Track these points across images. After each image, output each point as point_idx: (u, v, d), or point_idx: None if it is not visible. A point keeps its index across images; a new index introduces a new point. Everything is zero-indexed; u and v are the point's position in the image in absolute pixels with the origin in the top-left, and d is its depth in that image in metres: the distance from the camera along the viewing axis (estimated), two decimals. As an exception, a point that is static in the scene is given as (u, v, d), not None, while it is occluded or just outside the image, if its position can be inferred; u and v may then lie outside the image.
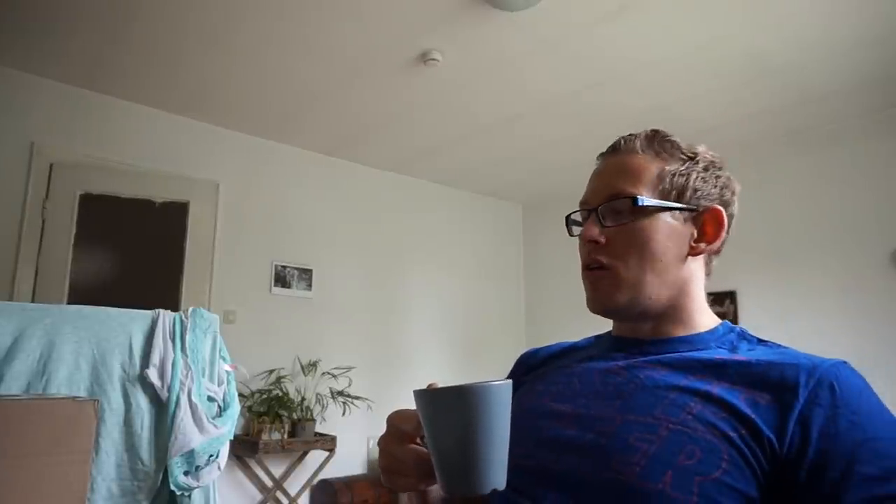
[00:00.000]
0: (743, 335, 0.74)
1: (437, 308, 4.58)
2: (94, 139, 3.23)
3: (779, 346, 0.72)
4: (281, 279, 3.81)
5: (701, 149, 0.78)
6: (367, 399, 3.85)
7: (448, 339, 4.58)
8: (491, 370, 4.49)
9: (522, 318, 5.16)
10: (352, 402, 3.75)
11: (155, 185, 3.36)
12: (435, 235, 4.68)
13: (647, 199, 0.72)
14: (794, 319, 3.58)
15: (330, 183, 4.16)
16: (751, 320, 3.81)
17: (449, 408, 0.53)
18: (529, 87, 3.18)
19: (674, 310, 0.74)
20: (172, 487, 1.70)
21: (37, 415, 0.90)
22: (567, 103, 3.35)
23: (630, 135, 0.78)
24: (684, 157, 0.76)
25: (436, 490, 0.67)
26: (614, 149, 0.78)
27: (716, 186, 0.76)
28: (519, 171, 4.50)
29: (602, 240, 0.73)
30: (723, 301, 3.94)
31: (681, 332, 0.74)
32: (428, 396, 0.54)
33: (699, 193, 0.75)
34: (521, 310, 5.18)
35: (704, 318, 0.76)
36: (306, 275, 3.92)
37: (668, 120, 3.53)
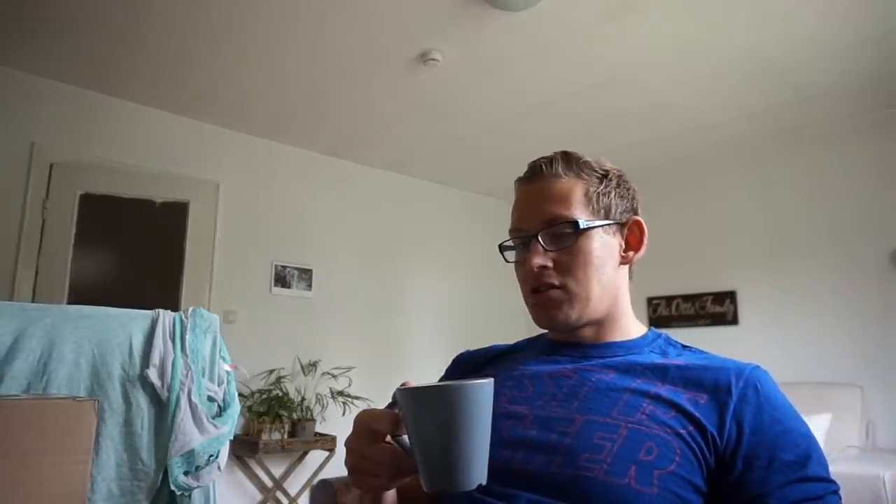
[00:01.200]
0: (669, 341, 0.82)
1: (437, 308, 4.58)
2: (94, 139, 3.23)
3: (700, 351, 0.80)
4: (281, 279, 3.81)
5: (608, 164, 0.84)
6: (367, 399, 3.85)
7: (448, 340, 4.58)
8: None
9: (522, 318, 5.16)
10: (352, 402, 3.75)
11: (155, 185, 3.36)
12: (435, 235, 4.68)
13: (585, 222, 0.78)
14: (793, 319, 3.58)
15: (330, 183, 4.16)
16: (750, 320, 3.81)
17: (433, 406, 0.54)
18: (529, 87, 3.18)
19: (611, 316, 0.81)
20: (172, 487, 1.70)
21: (37, 415, 0.90)
22: (567, 103, 3.35)
23: (545, 158, 0.83)
24: (600, 176, 0.82)
25: (391, 494, 0.68)
26: (535, 174, 0.83)
27: (629, 199, 0.84)
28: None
29: (549, 264, 0.78)
30: (723, 301, 3.94)
31: (618, 338, 0.81)
32: (412, 395, 0.54)
33: (620, 208, 0.82)
34: (520, 310, 5.16)
35: (634, 325, 0.84)
36: (306, 275, 3.92)
37: (668, 120, 3.53)
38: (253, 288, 3.69)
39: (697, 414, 0.67)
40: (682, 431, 0.66)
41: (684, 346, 0.82)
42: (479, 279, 4.87)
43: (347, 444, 0.61)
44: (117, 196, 3.24)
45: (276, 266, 3.80)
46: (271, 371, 3.62)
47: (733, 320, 3.91)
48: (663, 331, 0.87)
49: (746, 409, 0.67)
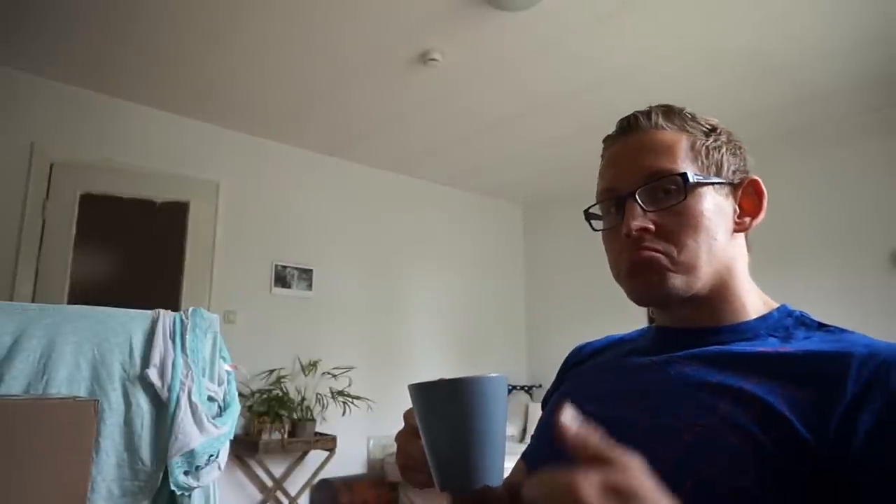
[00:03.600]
0: (802, 320, 0.67)
1: (438, 308, 4.58)
2: (94, 139, 3.23)
3: (843, 331, 0.63)
4: (281, 279, 3.81)
5: (714, 120, 0.73)
6: (367, 399, 3.85)
7: (448, 340, 4.58)
8: (491, 370, 4.49)
9: (522, 319, 5.16)
10: (352, 402, 3.75)
11: (155, 185, 3.36)
12: (435, 235, 4.68)
13: (695, 176, 0.66)
14: (794, 319, 3.58)
15: (330, 183, 4.16)
16: (751, 320, 3.81)
17: (441, 401, 0.53)
18: (529, 87, 3.18)
19: (723, 293, 0.67)
20: (173, 487, 1.70)
21: (37, 415, 0.90)
22: (567, 103, 3.35)
23: (643, 111, 0.72)
24: (707, 129, 0.71)
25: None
26: (631, 128, 0.71)
27: (741, 158, 0.71)
28: (519, 171, 4.51)
29: (651, 226, 0.65)
30: (723, 301, 3.94)
31: (730, 320, 0.67)
32: (420, 390, 0.53)
33: (732, 166, 0.69)
34: (521, 310, 5.17)
35: (755, 302, 0.69)
36: (306, 275, 3.92)
37: (669, 120, 3.52)
38: (253, 288, 3.69)
39: (791, 417, 0.53)
40: (764, 439, 0.52)
41: (821, 326, 0.65)
42: (480, 279, 4.87)
43: (396, 439, 0.61)
44: (117, 196, 3.24)
45: (276, 266, 3.80)
46: (271, 371, 3.62)
47: (733, 320, 3.90)
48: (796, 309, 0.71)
49: (866, 407, 0.50)
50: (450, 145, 4.01)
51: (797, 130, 3.69)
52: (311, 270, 3.94)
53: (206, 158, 3.60)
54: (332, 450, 3.57)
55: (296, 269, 3.88)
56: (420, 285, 4.51)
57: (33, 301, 2.87)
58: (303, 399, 3.63)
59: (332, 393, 3.75)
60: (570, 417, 0.41)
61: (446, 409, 0.52)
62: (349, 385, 3.85)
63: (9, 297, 2.85)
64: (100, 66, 2.99)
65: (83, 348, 1.68)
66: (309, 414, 3.60)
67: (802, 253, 3.65)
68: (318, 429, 3.67)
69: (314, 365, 3.75)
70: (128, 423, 1.70)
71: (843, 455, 0.49)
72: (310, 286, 3.92)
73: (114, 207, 3.23)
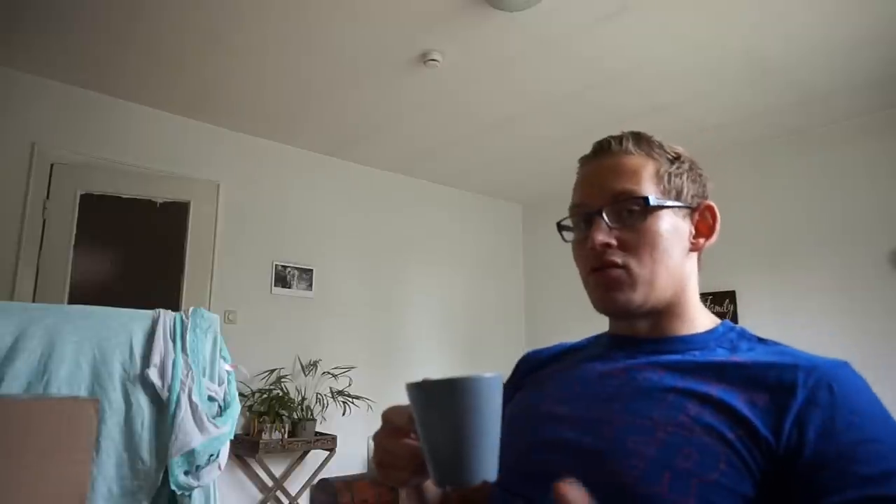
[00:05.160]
0: (743, 335, 0.75)
1: (438, 308, 4.58)
2: (94, 139, 3.23)
3: (778, 345, 0.72)
4: (281, 279, 3.81)
5: (679, 148, 0.80)
6: (367, 399, 3.86)
7: (448, 340, 4.58)
8: (491, 370, 4.49)
9: (522, 318, 5.16)
10: (352, 402, 3.75)
11: (155, 185, 3.37)
12: (435, 235, 4.68)
13: (655, 199, 0.73)
14: (793, 319, 3.58)
15: (330, 183, 4.16)
16: (750, 320, 3.81)
17: (439, 400, 0.54)
18: (529, 87, 3.18)
19: (675, 307, 0.75)
20: (173, 487, 1.71)
21: (37, 415, 0.90)
22: (567, 103, 3.35)
23: (615, 136, 0.79)
24: (672, 157, 0.78)
25: (433, 487, 0.69)
26: (602, 151, 0.78)
27: (701, 185, 0.79)
28: (519, 171, 4.51)
29: (613, 241, 0.73)
30: (722, 301, 3.94)
31: (681, 331, 0.75)
32: (419, 389, 0.55)
33: (691, 191, 0.77)
34: (521, 310, 5.18)
35: (703, 318, 0.76)
36: (307, 275, 3.92)
37: (669, 120, 3.53)
38: (253, 288, 3.70)
39: (751, 417, 0.60)
40: (730, 436, 0.60)
41: (760, 340, 0.73)
42: (480, 279, 4.87)
43: (374, 438, 0.63)
44: (117, 196, 3.24)
45: (276, 266, 3.80)
46: (272, 371, 3.63)
47: (733, 320, 3.90)
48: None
49: (813, 412, 0.59)
50: (450, 145, 4.01)
51: (797, 130, 3.68)
52: (311, 270, 3.94)
53: (206, 158, 3.61)
54: (332, 450, 3.58)
55: (296, 269, 3.89)
56: (420, 285, 4.51)
57: (34, 301, 2.88)
58: (303, 399, 3.63)
59: (332, 393, 3.75)
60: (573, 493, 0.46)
61: (446, 408, 0.53)
62: (349, 385, 3.85)
63: (9, 297, 2.86)
64: (100, 66, 2.99)
65: (84, 348, 1.69)
66: (309, 414, 3.60)
67: (802, 253, 3.65)
68: (319, 429, 3.67)
69: (314, 365, 3.75)
70: (128, 422, 1.70)
71: (798, 452, 0.57)
72: (310, 286, 3.92)
73: (114, 207, 3.23)
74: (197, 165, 3.56)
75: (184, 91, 3.25)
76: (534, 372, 0.89)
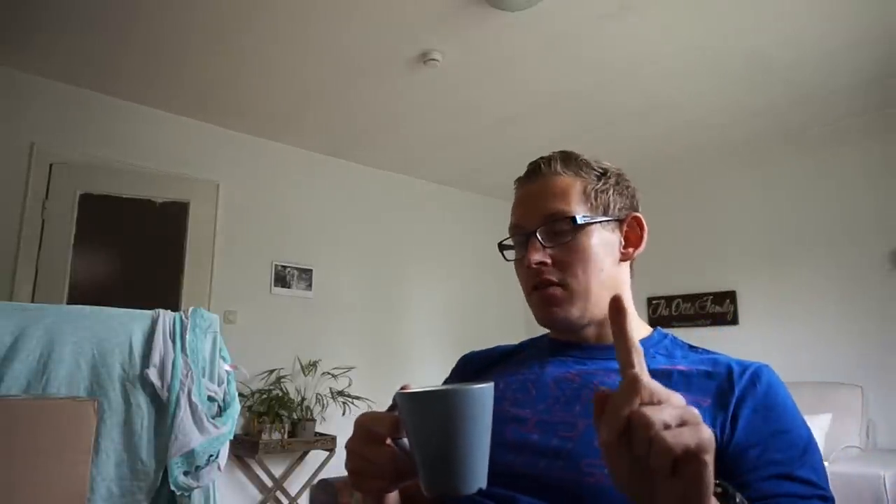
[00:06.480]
0: (675, 342, 0.81)
1: (437, 308, 4.58)
2: (94, 139, 3.23)
3: (707, 351, 0.79)
4: (281, 279, 3.81)
5: (606, 163, 0.85)
6: (367, 399, 3.85)
7: (448, 340, 4.58)
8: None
9: (522, 318, 5.16)
10: (352, 402, 3.75)
11: (155, 185, 3.36)
12: (435, 235, 4.68)
13: (583, 217, 0.78)
14: (793, 319, 3.58)
15: (330, 183, 4.16)
16: (750, 320, 3.81)
17: (433, 410, 0.54)
18: (530, 87, 3.18)
19: None
20: (172, 487, 1.70)
21: (37, 415, 0.90)
22: (567, 103, 3.35)
23: (544, 158, 0.84)
24: (598, 174, 0.83)
25: (394, 496, 0.68)
26: (533, 173, 0.84)
27: (628, 197, 0.84)
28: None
29: (548, 260, 0.78)
30: (723, 301, 3.94)
31: None
32: (412, 399, 0.54)
33: (618, 205, 0.82)
34: (520, 310, 5.17)
35: (638, 325, 0.80)
36: (306, 275, 3.92)
37: (669, 120, 3.53)
38: (253, 288, 3.69)
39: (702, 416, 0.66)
40: None
41: (691, 347, 0.80)
42: (479, 279, 4.87)
43: (348, 445, 0.61)
44: (117, 196, 3.24)
45: (276, 266, 3.80)
46: (271, 371, 3.62)
47: (733, 320, 3.91)
48: (667, 331, 0.85)
49: (743, 408, 0.68)
50: (450, 145, 4.01)
51: (797, 130, 3.69)
52: (311, 270, 3.94)
53: (206, 159, 3.60)
54: (332, 450, 3.57)
55: (296, 269, 3.88)
56: (420, 285, 4.51)
57: (33, 301, 2.87)
58: (303, 399, 3.63)
59: (332, 393, 3.75)
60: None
61: (439, 418, 0.53)
62: (349, 385, 3.85)
63: (8, 297, 2.85)
64: (100, 66, 2.99)
65: (83, 348, 1.68)
66: (309, 414, 3.60)
67: (801, 252, 3.66)
68: (318, 429, 3.67)
69: (314, 365, 3.75)
70: (127, 423, 1.70)
71: (731, 438, 0.66)
72: (310, 286, 3.92)
73: (114, 207, 3.23)
74: (197, 165, 3.56)
75: (184, 91, 3.25)
76: (478, 373, 0.91)
